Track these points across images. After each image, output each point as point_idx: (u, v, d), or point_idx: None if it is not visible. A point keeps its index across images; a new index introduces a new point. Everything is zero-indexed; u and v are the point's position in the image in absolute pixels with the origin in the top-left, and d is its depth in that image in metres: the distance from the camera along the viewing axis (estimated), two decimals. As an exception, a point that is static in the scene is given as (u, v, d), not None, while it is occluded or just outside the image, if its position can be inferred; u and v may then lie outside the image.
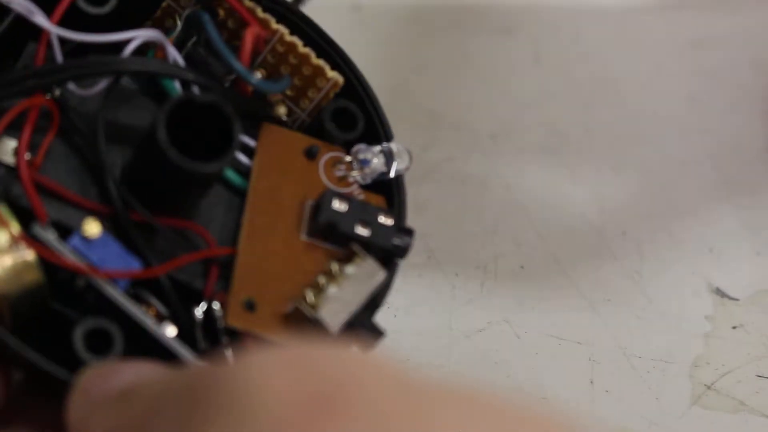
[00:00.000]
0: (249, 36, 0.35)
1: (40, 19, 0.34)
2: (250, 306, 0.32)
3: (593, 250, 0.47)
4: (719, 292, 0.45)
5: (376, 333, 0.33)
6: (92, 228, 0.32)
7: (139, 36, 0.34)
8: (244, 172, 0.35)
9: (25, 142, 0.33)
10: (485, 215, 0.48)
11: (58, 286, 0.32)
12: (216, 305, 0.32)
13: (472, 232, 0.47)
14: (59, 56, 0.34)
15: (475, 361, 0.42)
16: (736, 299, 0.45)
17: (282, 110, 0.36)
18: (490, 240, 0.47)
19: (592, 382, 0.42)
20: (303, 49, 0.35)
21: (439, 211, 0.48)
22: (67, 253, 0.31)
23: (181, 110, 0.31)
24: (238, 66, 0.34)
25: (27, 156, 0.33)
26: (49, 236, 0.32)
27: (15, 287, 0.31)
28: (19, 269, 0.31)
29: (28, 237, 0.31)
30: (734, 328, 0.44)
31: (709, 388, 0.41)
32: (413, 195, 0.48)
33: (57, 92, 0.34)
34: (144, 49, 0.35)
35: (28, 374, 0.32)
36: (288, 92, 0.36)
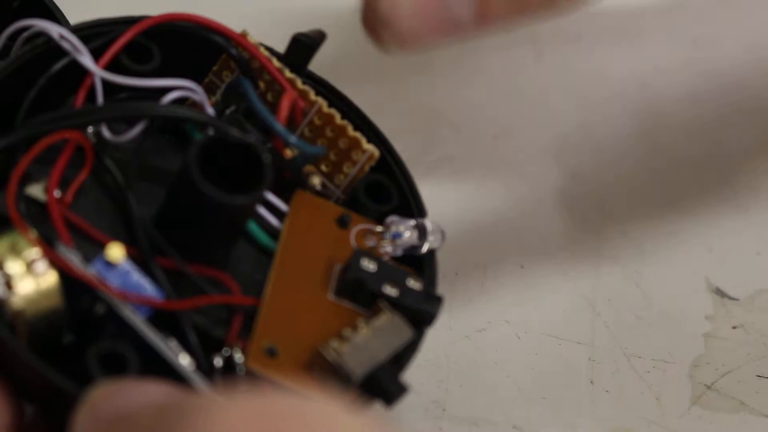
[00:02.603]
0: (286, 100, 0.36)
1: (86, 60, 0.35)
2: (271, 352, 0.32)
3: (593, 250, 0.47)
4: (719, 292, 0.45)
5: (400, 388, 0.33)
6: (115, 252, 0.32)
7: (178, 85, 0.35)
8: (273, 234, 0.35)
9: (56, 177, 0.33)
10: (485, 215, 0.48)
11: (76, 317, 0.32)
12: (237, 353, 0.32)
13: (472, 232, 0.47)
14: (100, 98, 0.35)
15: (475, 361, 0.42)
16: (736, 299, 0.45)
17: (316, 180, 0.36)
18: (490, 240, 0.47)
19: (592, 382, 0.42)
20: (340, 122, 0.36)
21: (439, 211, 0.48)
22: (90, 273, 0.31)
23: (212, 149, 0.32)
24: (277, 125, 0.35)
25: (57, 193, 0.33)
26: (73, 257, 0.32)
27: (35, 308, 0.31)
28: (41, 291, 0.31)
29: (54, 254, 0.31)
30: (734, 328, 0.44)
31: (709, 388, 0.41)
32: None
33: (91, 133, 0.34)
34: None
35: (39, 405, 0.32)
36: (323, 167, 0.37)
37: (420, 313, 0.34)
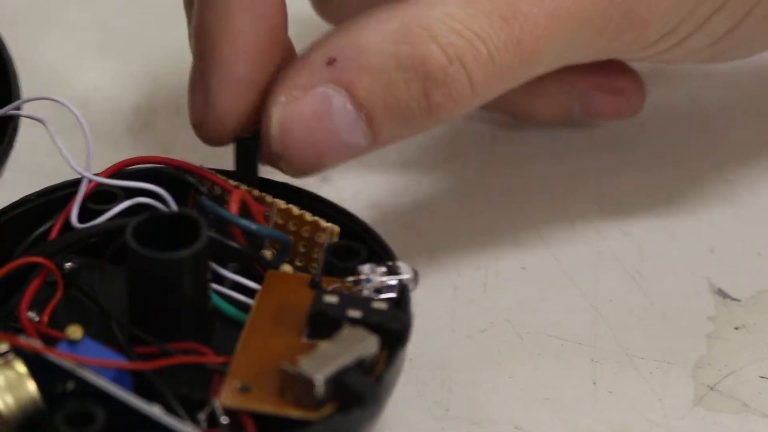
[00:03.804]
0: (235, 197, 0.38)
1: (77, 166, 0.39)
2: (244, 389, 0.34)
3: (594, 250, 0.47)
4: (721, 293, 0.45)
5: (370, 389, 0.33)
6: (75, 332, 0.33)
7: (143, 187, 0.39)
8: (244, 309, 0.37)
9: (27, 301, 0.36)
10: (485, 215, 0.48)
11: (51, 403, 0.33)
12: (217, 404, 0.33)
13: (472, 232, 0.47)
14: (77, 211, 0.38)
15: (477, 361, 0.42)
16: (738, 300, 0.45)
17: (286, 267, 0.38)
18: (491, 240, 0.47)
19: (594, 383, 0.42)
20: (298, 212, 0.38)
21: (439, 211, 0.48)
22: (53, 355, 0.33)
23: (151, 228, 0.34)
24: (240, 220, 0.37)
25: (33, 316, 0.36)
26: (36, 344, 0.33)
27: (10, 400, 0.32)
28: (12, 382, 0.32)
29: (18, 341, 0.33)
30: (736, 328, 0.44)
31: (711, 389, 0.41)
32: (414, 194, 0.49)
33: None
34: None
35: None
36: (298, 263, 0.39)
37: (386, 329, 0.35)
